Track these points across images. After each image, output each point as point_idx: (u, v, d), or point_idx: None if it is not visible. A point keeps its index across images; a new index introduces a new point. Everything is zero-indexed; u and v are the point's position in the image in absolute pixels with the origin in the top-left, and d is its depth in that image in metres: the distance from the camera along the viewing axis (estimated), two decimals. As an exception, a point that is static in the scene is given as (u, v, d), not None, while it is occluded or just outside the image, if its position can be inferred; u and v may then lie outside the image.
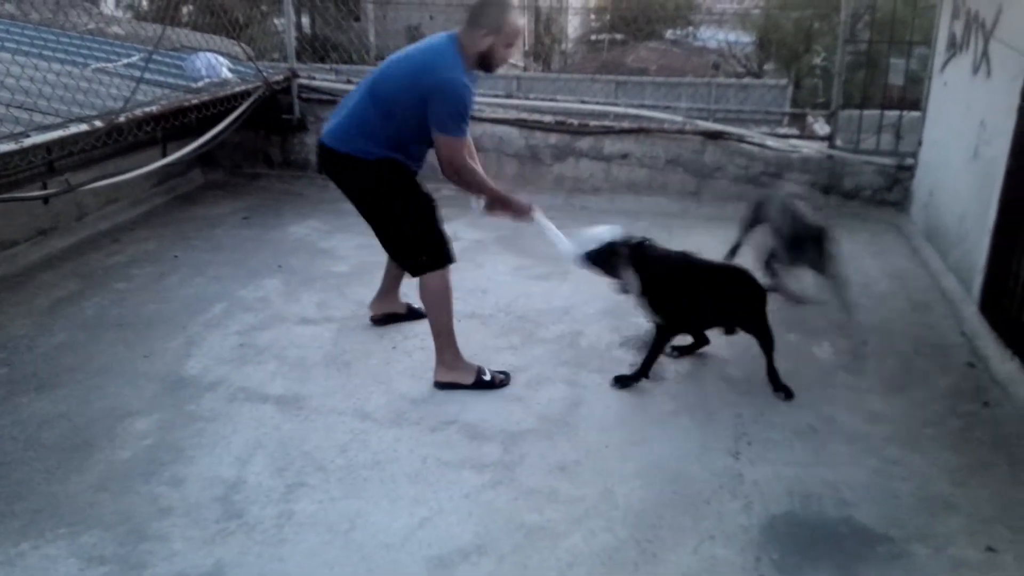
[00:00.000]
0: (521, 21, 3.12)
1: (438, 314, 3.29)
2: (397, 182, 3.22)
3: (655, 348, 3.30)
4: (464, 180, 3.17)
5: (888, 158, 5.60)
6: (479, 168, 3.31)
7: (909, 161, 5.53)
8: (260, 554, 2.38)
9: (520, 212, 3.31)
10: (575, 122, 6.02)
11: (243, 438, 2.94)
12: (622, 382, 3.31)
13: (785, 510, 2.58)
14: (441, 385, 3.30)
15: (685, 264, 3.27)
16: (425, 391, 3.27)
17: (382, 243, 3.39)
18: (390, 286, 3.80)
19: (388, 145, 3.15)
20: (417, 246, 3.26)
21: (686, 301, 3.26)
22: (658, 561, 2.36)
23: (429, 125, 3.03)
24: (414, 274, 3.32)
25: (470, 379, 3.29)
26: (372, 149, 3.14)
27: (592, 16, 18.75)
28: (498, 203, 3.30)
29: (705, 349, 3.59)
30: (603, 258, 3.19)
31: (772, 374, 3.29)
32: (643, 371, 3.32)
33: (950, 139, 4.77)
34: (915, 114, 5.65)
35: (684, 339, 3.53)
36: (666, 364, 3.49)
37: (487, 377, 3.30)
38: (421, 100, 3.01)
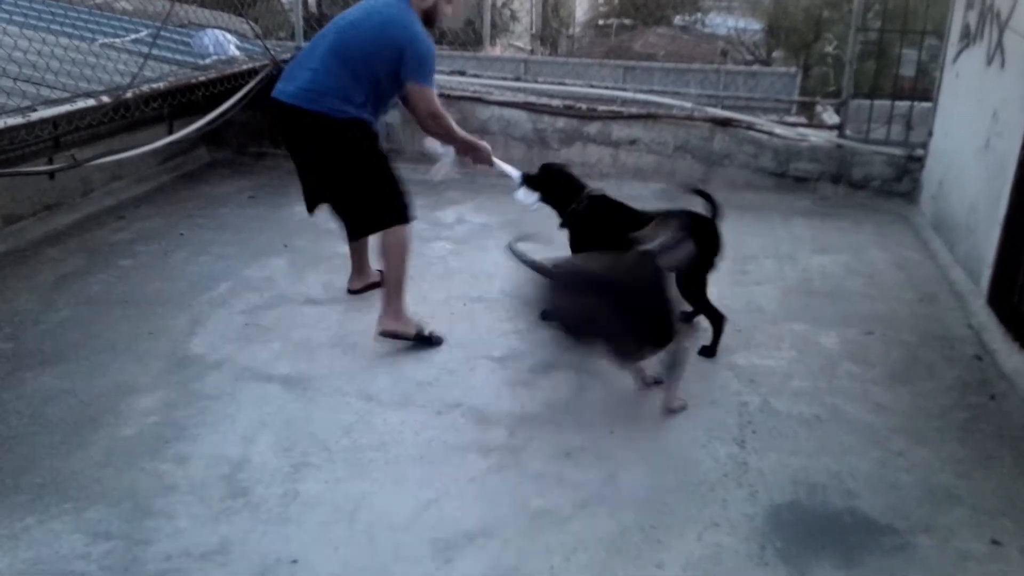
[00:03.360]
0: None
1: (395, 266, 3.41)
2: (364, 141, 3.40)
3: None
4: (442, 125, 3.42)
5: (898, 148, 5.56)
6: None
7: (919, 152, 5.49)
8: (265, 532, 2.38)
9: (485, 154, 3.58)
10: (583, 106, 5.98)
11: (248, 417, 2.95)
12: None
13: (790, 499, 2.58)
14: (386, 334, 3.43)
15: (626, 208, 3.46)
16: (431, 374, 3.27)
17: (340, 204, 3.55)
18: (360, 263, 3.94)
19: (360, 105, 3.33)
20: (380, 203, 3.41)
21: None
22: (662, 547, 2.36)
23: (403, 79, 3.29)
24: (363, 234, 3.58)
25: (412, 332, 3.45)
26: (344, 108, 3.29)
27: (600, 0, 18.63)
28: (467, 148, 3.57)
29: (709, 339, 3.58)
30: (543, 182, 3.52)
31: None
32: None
33: (961, 130, 4.73)
34: (926, 105, 5.61)
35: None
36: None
37: (427, 333, 3.47)
38: (393, 57, 3.25)
